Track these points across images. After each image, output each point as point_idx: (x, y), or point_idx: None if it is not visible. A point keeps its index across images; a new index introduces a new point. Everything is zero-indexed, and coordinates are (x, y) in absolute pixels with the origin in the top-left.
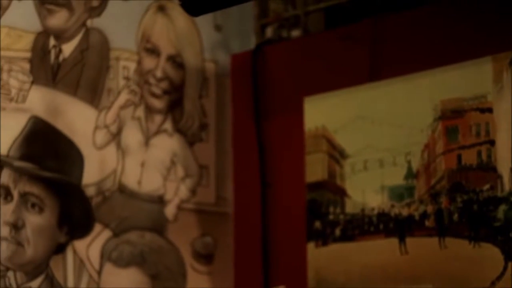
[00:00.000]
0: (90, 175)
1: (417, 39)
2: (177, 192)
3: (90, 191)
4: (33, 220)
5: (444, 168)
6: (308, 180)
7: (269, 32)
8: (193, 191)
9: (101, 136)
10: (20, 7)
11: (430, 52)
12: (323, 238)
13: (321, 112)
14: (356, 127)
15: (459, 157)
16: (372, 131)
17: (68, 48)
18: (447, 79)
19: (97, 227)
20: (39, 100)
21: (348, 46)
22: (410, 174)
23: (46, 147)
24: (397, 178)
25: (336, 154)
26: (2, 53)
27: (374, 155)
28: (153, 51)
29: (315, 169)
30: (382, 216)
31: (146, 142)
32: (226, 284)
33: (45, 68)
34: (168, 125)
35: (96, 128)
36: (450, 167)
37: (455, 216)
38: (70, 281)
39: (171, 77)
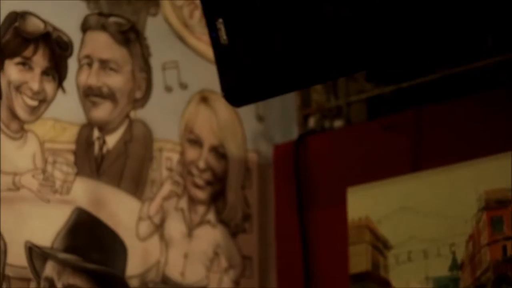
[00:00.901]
0: (134, 267)
1: (460, 129)
2: (220, 284)
3: (133, 283)
4: None
5: (489, 260)
6: (352, 271)
7: (312, 122)
8: (236, 283)
9: (145, 228)
10: (65, 99)
11: (473, 142)
12: None
13: (364, 203)
14: (400, 217)
15: (504, 248)
16: (415, 222)
17: (112, 140)
18: (490, 169)
19: None
20: (83, 192)
21: (391, 137)
22: (455, 265)
23: (90, 239)
24: (441, 269)
25: (380, 245)
26: (47, 145)
27: (418, 246)
28: (196, 142)
29: (358, 260)
30: None
31: (189, 233)
32: None
33: (89, 160)
34: (211, 216)
35: (140, 219)
36: (495, 258)
37: None
38: None
39: (214, 168)
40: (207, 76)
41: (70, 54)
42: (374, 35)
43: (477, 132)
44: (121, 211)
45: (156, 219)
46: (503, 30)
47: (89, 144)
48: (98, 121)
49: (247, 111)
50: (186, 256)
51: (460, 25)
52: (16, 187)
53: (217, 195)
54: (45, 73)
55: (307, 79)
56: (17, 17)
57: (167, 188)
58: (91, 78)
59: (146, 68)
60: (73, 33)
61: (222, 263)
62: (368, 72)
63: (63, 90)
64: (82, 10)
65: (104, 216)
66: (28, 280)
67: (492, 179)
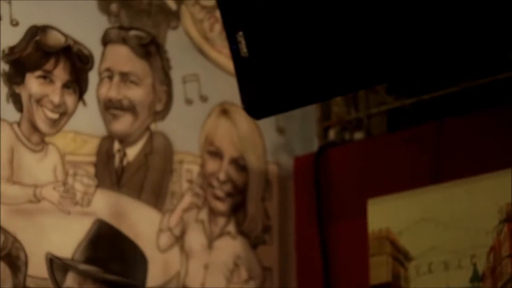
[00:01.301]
0: (154, 278)
1: (481, 142)
2: None
3: None
4: None
5: (510, 271)
6: (372, 282)
7: (332, 134)
8: None
9: (165, 239)
10: (86, 112)
11: (494, 154)
12: None
13: (384, 214)
14: (420, 229)
15: None
16: (436, 233)
17: (132, 152)
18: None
19: None
20: (104, 204)
21: (411, 149)
22: (476, 277)
23: (110, 250)
24: (462, 281)
25: (400, 257)
26: (67, 157)
27: (439, 257)
28: (216, 154)
29: (379, 271)
30: None
31: (210, 244)
32: None
33: (110, 172)
34: (231, 228)
35: (160, 231)
36: None
37: None
38: None
39: (234, 180)
40: (228, 88)
41: (91, 67)
42: (394, 47)
43: (498, 144)
44: (141, 223)
45: (177, 231)
46: None
47: (110, 156)
48: (118, 133)
49: (268, 123)
50: (206, 267)
51: (482, 38)
52: (37, 199)
53: (238, 207)
54: (65, 86)
55: (328, 92)
56: (38, 31)
57: (187, 200)
58: (111, 91)
59: (167, 81)
60: (93, 46)
61: (242, 275)
62: (388, 84)
63: (84, 103)
64: (102, 24)
65: (124, 228)
66: None
67: None
